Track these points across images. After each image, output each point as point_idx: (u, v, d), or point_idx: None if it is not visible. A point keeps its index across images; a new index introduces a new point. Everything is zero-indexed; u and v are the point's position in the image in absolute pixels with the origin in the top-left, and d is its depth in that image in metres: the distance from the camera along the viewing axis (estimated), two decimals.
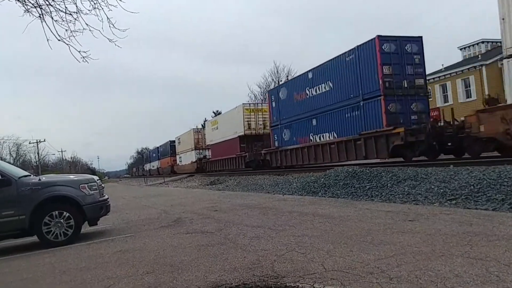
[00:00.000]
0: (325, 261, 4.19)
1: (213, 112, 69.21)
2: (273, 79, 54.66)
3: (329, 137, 19.17)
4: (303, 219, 7.17)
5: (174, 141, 54.69)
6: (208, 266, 4.46)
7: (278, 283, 3.63)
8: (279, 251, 4.82)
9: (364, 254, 4.32)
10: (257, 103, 32.21)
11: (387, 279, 3.42)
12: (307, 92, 20.67)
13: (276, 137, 24.69)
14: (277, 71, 54.50)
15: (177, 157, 52.00)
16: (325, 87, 19.14)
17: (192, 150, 43.79)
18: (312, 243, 5.09)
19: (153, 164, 71.42)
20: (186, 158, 46.60)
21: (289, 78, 52.34)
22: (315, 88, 19.96)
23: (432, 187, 8.49)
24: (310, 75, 20.49)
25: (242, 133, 29.73)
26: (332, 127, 18.85)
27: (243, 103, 30.80)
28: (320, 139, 19.87)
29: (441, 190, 8.09)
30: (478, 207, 6.74)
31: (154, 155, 71.91)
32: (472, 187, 7.71)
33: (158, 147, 67.34)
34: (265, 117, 29.05)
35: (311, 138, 20.68)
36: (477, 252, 4.00)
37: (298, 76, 22.93)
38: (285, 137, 23.50)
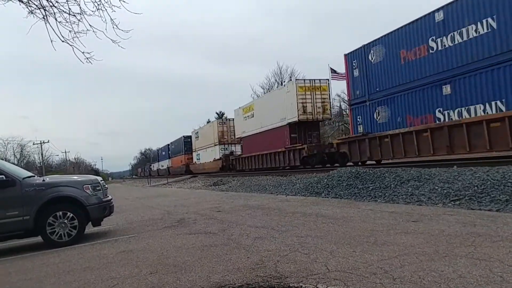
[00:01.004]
0: (328, 261, 4.19)
1: (216, 113, 69.32)
2: (276, 80, 54.68)
3: (486, 110, 12.12)
4: (306, 219, 7.17)
5: (189, 137, 48.59)
6: (212, 267, 4.47)
7: (281, 284, 3.63)
8: (282, 252, 4.82)
9: (367, 254, 4.32)
10: (313, 80, 23.05)
11: (390, 280, 3.42)
12: (433, 43, 13.87)
13: (359, 120, 17.91)
14: (281, 72, 54.49)
15: (194, 154, 45.45)
16: (477, 30, 12.28)
17: (215, 145, 37.13)
18: (315, 244, 5.09)
19: (162, 164, 65.11)
20: (207, 155, 40.10)
21: (294, 76, 52.09)
22: (452, 34, 13.11)
23: (436, 187, 8.47)
24: (440, 15, 13.52)
25: (295, 119, 22.37)
26: (493, 94, 11.93)
27: (296, 79, 25.29)
28: (461, 115, 12.93)
29: (445, 191, 8.07)
30: (482, 208, 6.71)
31: (163, 153, 64.52)
32: (475, 187, 7.69)
33: (168, 144, 59.97)
34: (324, 98, 22.68)
35: (440, 115, 13.75)
36: (480, 253, 3.99)
37: (410, 23, 14.95)
38: (380, 117, 16.73)
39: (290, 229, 6.30)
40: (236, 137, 33.64)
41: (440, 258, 3.91)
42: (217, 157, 36.62)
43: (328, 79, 23.43)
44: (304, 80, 23.79)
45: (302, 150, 21.83)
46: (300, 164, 22.28)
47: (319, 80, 23.02)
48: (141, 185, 44.47)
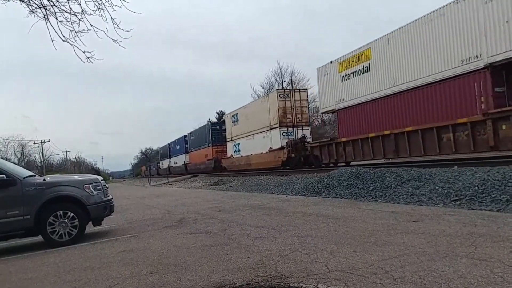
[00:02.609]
0: (329, 261, 4.19)
1: (217, 113, 69.06)
2: (276, 80, 54.57)
3: None
4: (306, 219, 7.17)
5: (218, 123, 39.98)
6: (212, 266, 4.47)
7: (282, 284, 3.63)
8: (282, 252, 4.82)
9: (368, 254, 4.32)
10: None
11: (391, 280, 3.42)
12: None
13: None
14: (281, 71, 54.33)
15: (230, 145, 33.87)
16: None
17: (272, 129, 25.84)
18: (315, 244, 5.08)
19: (176, 160, 53.86)
20: (255, 144, 28.26)
21: (294, 75, 50.99)
22: None
23: (436, 187, 8.46)
24: None
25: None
26: None
27: None
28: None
29: (445, 191, 8.06)
30: (483, 208, 6.71)
31: (178, 147, 53.11)
32: (476, 188, 7.68)
33: (185, 136, 48.67)
34: None
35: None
36: (481, 253, 3.98)
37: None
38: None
39: (291, 229, 6.30)
40: (322, 111, 22.25)
41: (441, 258, 3.91)
42: (277, 145, 25.05)
43: None
44: None
45: None
46: None
47: None
48: (141, 184, 44.49)
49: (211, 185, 22.69)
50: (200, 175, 36.01)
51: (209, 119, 63.21)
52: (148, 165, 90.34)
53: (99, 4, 6.82)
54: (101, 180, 8.11)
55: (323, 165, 20.50)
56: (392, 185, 9.72)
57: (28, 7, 6.81)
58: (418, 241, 4.70)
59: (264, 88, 55.23)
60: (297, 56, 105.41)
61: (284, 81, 52.40)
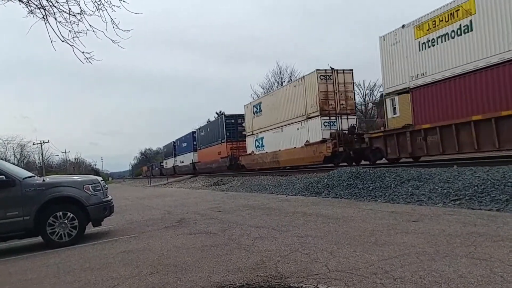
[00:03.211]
0: (329, 261, 4.19)
1: (216, 113, 69.10)
2: (276, 80, 54.58)
3: None
4: (306, 219, 7.17)
5: (233, 116, 34.01)
6: (212, 267, 4.47)
7: (282, 284, 3.63)
8: (282, 252, 4.82)
9: (368, 254, 4.32)
10: None
11: (391, 280, 3.42)
12: None
13: None
14: (280, 72, 54.34)
15: (250, 140, 28.98)
16: None
17: (309, 118, 21.05)
18: (315, 244, 5.08)
19: (182, 159, 49.23)
20: (288, 137, 23.28)
21: (294, 76, 50.51)
22: None
23: (436, 187, 8.47)
24: None
25: None
26: None
27: None
28: None
29: (445, 191, 8.06)
30: (482, 207, 6.71)
31: (184, 144, 48.44)
32: (476, 187, 7.69)
33: (193, 132, 44.68)
34: None
35: None
36: (481, 252, 3.98)
37: None
38: None
39: (291, 229, 6.30)
40: (388, 91, 17.09)
41: (441, 258, 3.91)
42: (316, 137, 20.34)
43: None
44: None
45: None
46: None
47: None
48: (141, 185, 44.47)
49: (211, 185, 22.69)
50: (200, 176, 35.79)
51: (222, 112, 58.83)
52: (150, 165, 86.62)
53: (98, 4, 6.82)
54: (101, 180, 8.11)
55: (386, 161, 16.66)
56: (392, 185, 9.72)
57: (27, 7, 6.82)
58: (418, 241, 4.70)
59: (263, 89, 55.25)
60: (296, 56, 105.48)
61: (284, 81, 52.40)
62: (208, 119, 62.95)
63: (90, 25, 6.96)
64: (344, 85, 20.72)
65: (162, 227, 8.07)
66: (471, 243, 4.37)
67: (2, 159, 44.33)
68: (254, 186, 17.11)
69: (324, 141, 19.68)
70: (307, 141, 21.33)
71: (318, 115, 20.36)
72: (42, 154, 73.42)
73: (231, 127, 33.37)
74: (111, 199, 8.29)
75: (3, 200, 6.90)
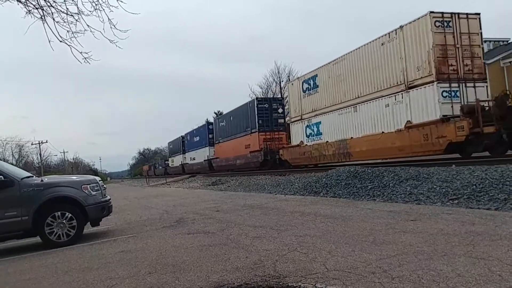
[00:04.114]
0: (327, 261, 4.19)
1: (215, 113, 69.01)
2: (274, 79, 54.49)
3: None
4: (305, 219, 7.17)
5: (266, 99, 28.26)
6: (210, 266, 4.46)
7: (280, 283, 3.63)
8: (281, 251, 4.82)
9: (366, 254, 4.32)
10: None
11: (389, 279, 3.42)
12: None
13: None
14: (278, 71, 54.17)
15: (298, 126, 22.26)
16: None
17: (413, 88, 14.34)
18: (314, 243, 5.09)
19: (194, 155, 42.88)
20: (364, 119, 16.85)
21: (292, 75, 50.13)
22: None
23: (434, 186, 8.48)
24: None
25: None
26: None
27: None
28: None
29: (443, 190, 8.07)
30: (481, 206, 6.72)
31: (196, 139, 41.89)
32: (474, 186, 7.70)
33: (208, 124, 39.25)
34: None
35: None
36: (479, 251, 3.99)
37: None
38: None
39: (289, 229, 6.30)
40: None
41: (439, 257, 3.92)
42: (428, 116, 13.79)
43: None
44: None
45: None
46: None
47: None
48: (139, 185, 44.43)
49: (209, 185, 22.68)
50: (198, 176, 35.46)
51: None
52: (153, 164, 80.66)
53: (95, 4, 6.81)
54: (99, 180, 8.10)
55: None
56: (390, 184, 9.73)
57: (25, 7, 6.80)
58: (416, 240, 4.71)
59: (262, 88, 55.11)
60: (295, 56, 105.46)
61: (282, 81, 52.37)
62: (207, 119, 62.15)
63: (88, 25, 6.94)
64: (469, 37, 13.96)
65: (160, 227, 8.06)
66: (470, 242, 4.38)
67: (0, 159, 44.24)
68: (253, 185, 17.11)
69: (446, 119, 13.06)
70: (408, 121, 14.59)
71: (432, 82, 13.56)
72: (40, 154, 73.26)
73: (264, 113, 26.49)
74: (110, 199, 8.29)
75: (2, 200, 6.88)
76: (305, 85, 21.56)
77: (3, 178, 6.91)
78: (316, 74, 20.44)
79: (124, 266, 4.95)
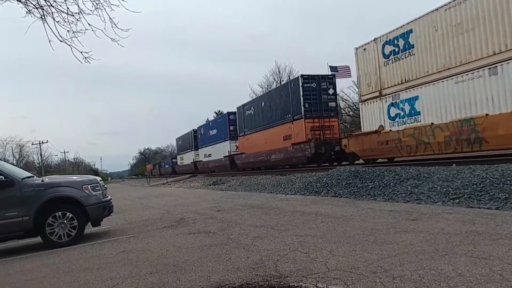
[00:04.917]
0: (328, 260, 4.19)
1: (215, 112, 69.09)
2: (274, 79, 54.46)
3: None
4: (305, 218, 7.17)
5: (315, 78, 21.14)
6: (211, 266, 4.47)
7: (281, 283, 3.63)
8: (282, 251, 4.82)
9: (367, 253, 4.32)
10: None
11: (390, 279, 3.42)
12: None
13: None
14: (279, 71, 54.11)
15: (376, 106, 16.00)
16: None
17: None
18: (315, 243, 5.09)
19: (210, 151, 36.97)
20: None
21: (292, 74, 49.67)
22: None
23: (435, 186, 8.47)
24: None
25: None
26: None
27: None
28: None
29: (444, 189, 8.07)
30: (481, 206, 6.72)
31: (213, 132, 36.09)
32: (475, 186, 7.69)
33: (229, 114, 32.42)
34: None
35: None
36: (480, 251, 3.99)
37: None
38: None
39: (290, 228, 6.30)
40: None
41: (440, 257, 3.92)
42: None
43: None
44: None
45: None
46: None
47: None
48: (140, 185, 44.45)
49: (210, 185, 22.69)
50: (199, 175, 35.26)
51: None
52: (157, 163, 74.84)
53: (96, 4, 6.81)
54: (100, 180, 8.11)
55: None
56: (391, 184, 9.73)
57: (25, 7, 6.81)
58: (417, 240, 4.71)
59: (262, 88, 55.01)
60: (295, 56, 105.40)
61: (282, 80, 52.32)
62: (207, 119, 61.70)
63: (89, 24, 6.96)
64: None
65: (161, 227, 8.07)
66: (470, 242, 4.38)
67: (1, 159, 44.27)
68: (253, 185, 17.11)
69: None
70: None
71: None
72: (41, 154, 73.26)
73: (311, 95, 20.68)
74: (110, 199, 8.29)
75: (2, 200, 6.89)
76: (389, 48, 15.34)
77: (3, 178, 6.91)
78: (411, 29, 14.31)
79: (125, 266, 4.95)
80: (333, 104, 21.28)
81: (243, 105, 29.42)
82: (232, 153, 31.48)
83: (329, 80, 21.39)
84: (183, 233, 7.01)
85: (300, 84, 20.86)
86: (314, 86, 20.88)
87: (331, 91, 21.15)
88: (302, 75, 21.23)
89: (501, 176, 7.74)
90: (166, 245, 6.06)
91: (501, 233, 4.66)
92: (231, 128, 31.83)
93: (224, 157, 32.89)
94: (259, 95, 24.29)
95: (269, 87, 52.23)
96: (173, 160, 58.13)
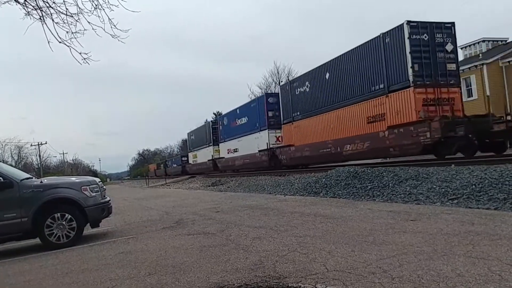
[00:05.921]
0: (327, 261, 4.19)
1: (214, 113, 68.99)
2: (273, 80, 54.46)
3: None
4: (304, 219, 7.17)
5: (426, 27, 13.79)
6: (210, 267, 4.46)
7: (280, 284, 3.63)
8: (281, 252, 4.82)
9: (366, 254, 4.32)
10: None
11: (389, 279, 3.42)
12: None
13: None
14: (278, 72, 54.07)
15: None
16: None
17: None
18: (314, 244, 5.09)
19: (236, 145, 30.18)
20: None
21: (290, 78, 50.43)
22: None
23: (434, 186, 8.48)
24: None
25: None
26: None
27: None
28: None
29: (443, 190, 8.08)
30: (480, 206, 6.72)
31: (241, 121, 29.16)
32: (473, 186, 7.70)
33: (267, 95, 27.09)
34: None
35: None
36: (479, 251, 3.99)
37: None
38: None
39: (289, 229, 6.29)
40: None
41: (439, 257, 3.92)
42: None
43: None
44: None
45: None
46: None
47: None
48: (139, 186, 44.41)
49: (209, 186, 22.67)
50: (198, 176, 35.14)
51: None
52: (163, 162, 68.09)
53: (95, 4, 6.81)
54: (99, 181, 8.10)
55: None
56: (390, 184, 9.73)
57: (24, 8, 6.80)
58: (416, 240, 4.71)
59: (261, 89, 54.99)
60: (294, 56, 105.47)
61: (281, 81, 52.33)
62: (206, 119, 60.63)
63: (89, 22, 6.94)
64: None
65: (160, 228, 8.06)
66: (469, 242, 4.38)
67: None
68: (252, 186, 17.10)
69: None
70: None
71: None
72: (39, 156, 73.10)
73: (422, 51, 14.03)
74: (109, 200, 8.28)
75: (1, 202, 6.88)
76: None
77: (2, 180, 6.90)
78: None
79: (124, 267, 4.95)
80: (452, 66, 14.56)
81: (291, 82, 22.60)
82: (271, 146, 24.46)
83: (447, 30, 14.48)
84: (182, 234, 7.00)
85: (406, 35, 13.95)
86: (426, 39, 14.18)
87: (449, 47, 14.47)
88: (409, 22, 14.00)
89: (499, 176, 7.74)
90: (165, 246, 6.05)
91: (500, 234, 4.66)
92: (270, 114, 24.68)
93: (260, 151, 25.68)
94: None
95: (268, 88, 52.15)
96: (183, 159, 50.53)
